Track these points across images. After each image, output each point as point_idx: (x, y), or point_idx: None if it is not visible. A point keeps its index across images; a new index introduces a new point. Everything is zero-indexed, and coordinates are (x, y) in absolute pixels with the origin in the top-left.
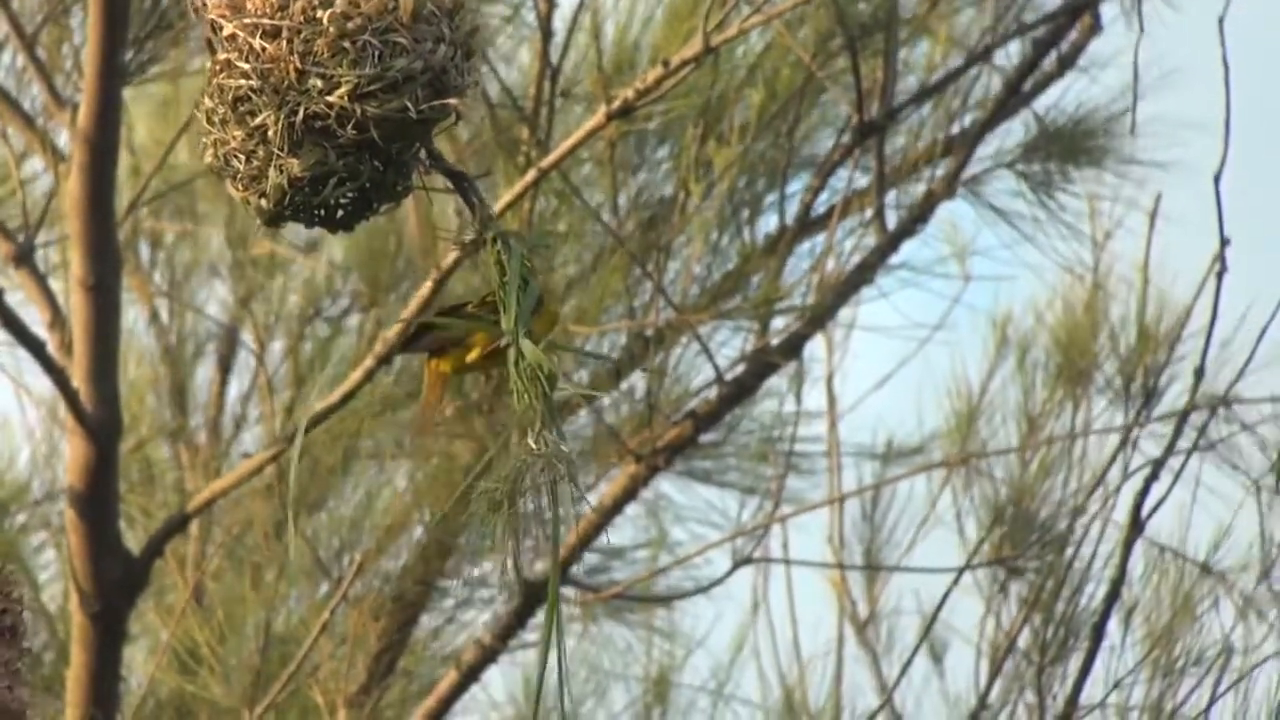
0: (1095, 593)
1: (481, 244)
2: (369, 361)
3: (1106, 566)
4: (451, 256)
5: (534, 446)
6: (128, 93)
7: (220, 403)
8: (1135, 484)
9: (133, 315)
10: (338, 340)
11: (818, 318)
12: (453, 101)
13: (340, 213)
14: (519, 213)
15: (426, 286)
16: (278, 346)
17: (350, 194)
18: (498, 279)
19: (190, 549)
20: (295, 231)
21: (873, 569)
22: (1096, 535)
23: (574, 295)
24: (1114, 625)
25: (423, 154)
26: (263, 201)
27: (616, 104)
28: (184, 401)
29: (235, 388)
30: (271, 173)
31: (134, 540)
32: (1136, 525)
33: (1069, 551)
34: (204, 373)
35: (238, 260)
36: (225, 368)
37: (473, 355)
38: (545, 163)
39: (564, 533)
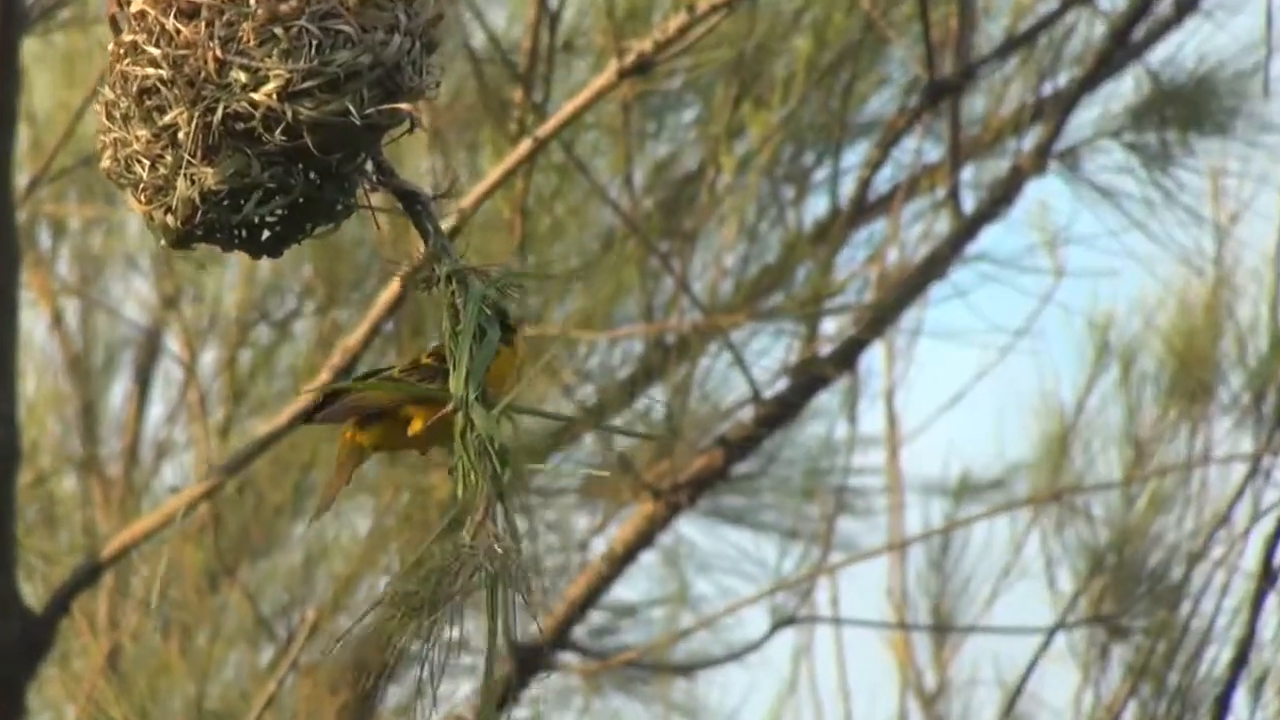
0: (1218, 658)
1: (433, 282)
2: (325, 375)
3: (1231, 625)
4: (394, 291)
5: (469, 541)
6: (27, 47)
7: (139, 425)
8: (1267, 525)
9: (32, 318)
10: (285, 348)
11: (877, 321)
12: (406, 106)
13: (265, 234)
14: (511, 193)
15: (354, 337)
16: (211, 356)
17: (278, 212)
18: (449, 327)
19: (103, 605)
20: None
21: (942, 630)
22: (1219, 587)
23: (577, 293)
24: (1240, 697)
25: (369, 167)
26: (169, 218)
27: (630, 59)
28: (94, 424)
29: (158, 406)
30: (181, 183)
31: (34, 594)
32: (1268, 575)
33: (1185, 607)
34: (119, 388)
35: (162, 250)
36: (145, 382)
37: (414, 428)
38: (543, 131)
39: (519, 634)
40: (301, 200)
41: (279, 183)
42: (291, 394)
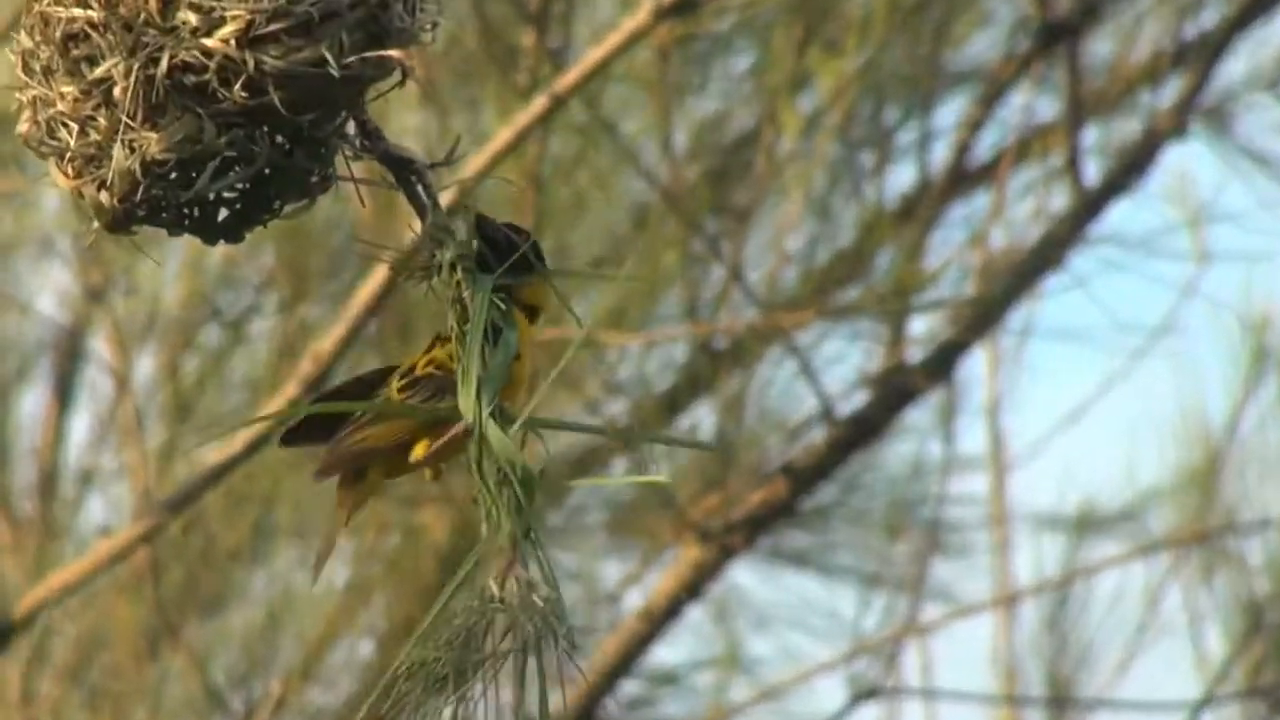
0: None
1: (432, 270)
2: (292, 388)
3: None
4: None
5: (497, 591)
6: None
7: (57, 449)
8: None
9: None
10: (241, 353)
11: (978, 319)
12: (395, 54)
13: (223, 213)
14: (521, 161)
15: (328, 341)
16: (148, 363)
17: (238, 186)
18: (456, 325)
19: (14, 675)
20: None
21: (1061, 704)
22: None
23: (601, 287)
24: None
25: (350, 129)
26: (103, 195)
27: None
28: (1, 448)
29: (81, 426)
30: (118, 151)
31: None
32: None
33: None
34: (32, 401)
35: (91, 234)
36: (65, 394)
37: (418, 452)
38: (561, 84)
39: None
40: (267, 171)
41: (239, 150)
42: (249, 410)
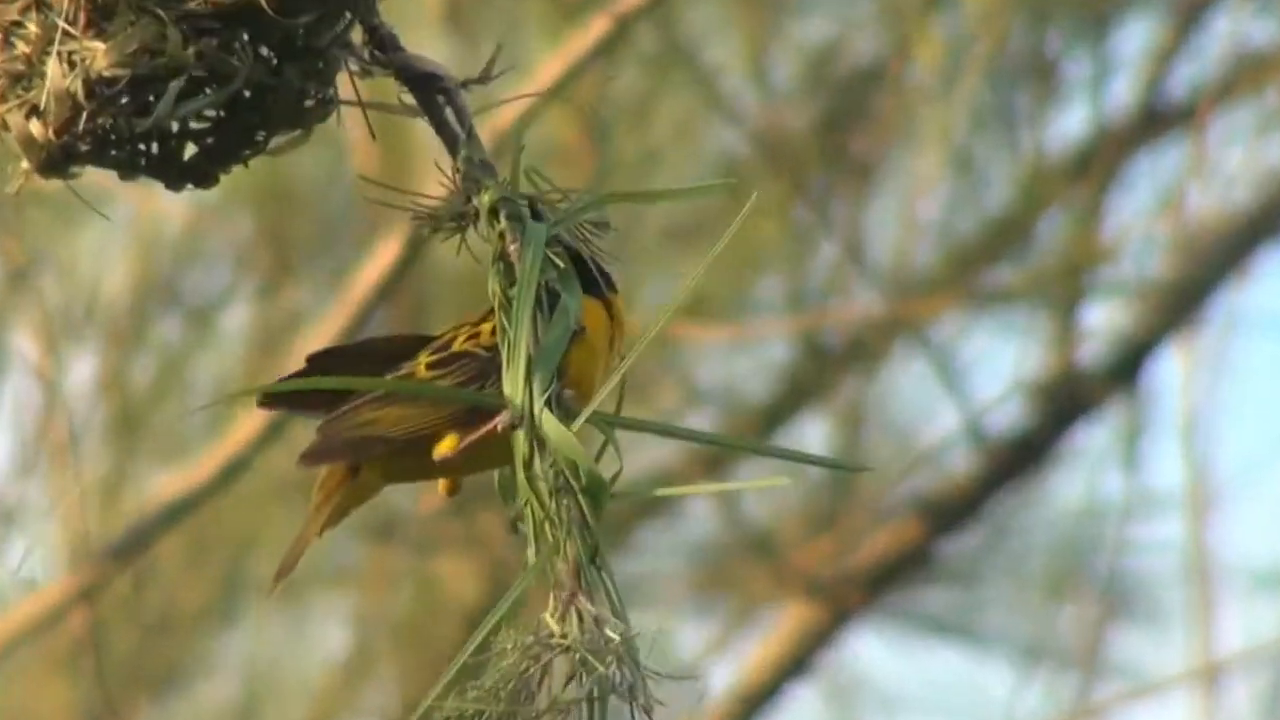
0: None
1: (467, 219)
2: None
3: None
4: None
5: (556, 628)
6: None
7: None
8: None
9: None
10: (209, 350)
11: (1172, 308)
12: None
13: (190, 149)
14: (573, 103)
15: (323, 333)
16: (86, 364)
17: (211, 112)
18: (500, 290)
19: None
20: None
21: None
22: None
23: (678, 266)
24: None
25: (356, 36)
26: (34, 124)
27: None
28: None
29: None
30: (54, 67)
31: None
32: None
33: None
34: None
35: (14, 183)
36: None
37: (443, 448)
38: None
39: None
40: (248, 93)
41: (212, 64)
42: (215, 427)
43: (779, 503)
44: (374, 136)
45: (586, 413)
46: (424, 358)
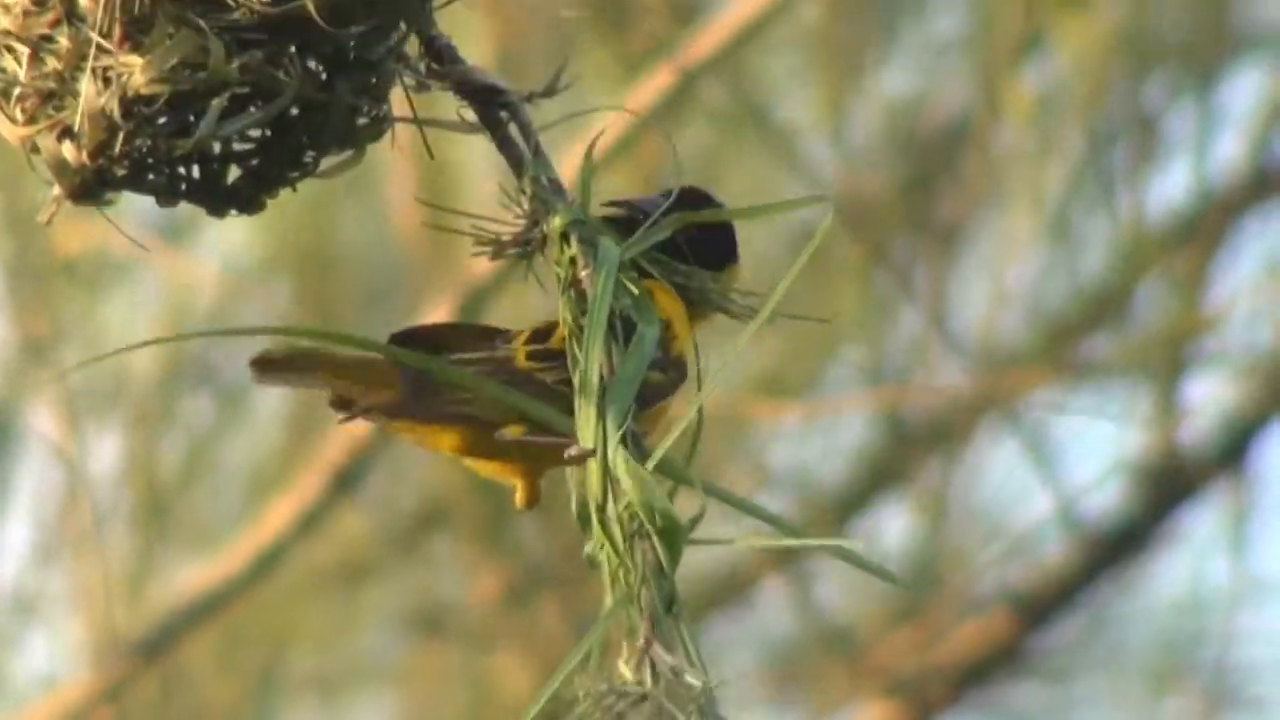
0: None
1: (534, 244)
2: (312, 479)
3: None
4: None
5: (630, 675)
6: None
7: None
8: None
9: None
10: (244, 424)
11: None
12: None
13: (236, 172)
14: (634, 158)
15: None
16: (110, 445)
17: (257, 133)
18: (571, 319)
19: None
20: (139, 206)
21: None
22: None
23: (748, 339)
24: None
25: (411, 49)
26: (67, 148)
27: None
28: None
29: (16, 534)
30: (88, 85)
31: None
32: None
33: None
34: None
35: (20, 248)
36: None
37: (513, 431)
38: (693, 52)
39: None
40: (296, 111)
41: (258, 79)
42: (247, 514)
43: (858, 593)
44: (431, 156)
45: (658, 454)
46: (522, 346)
